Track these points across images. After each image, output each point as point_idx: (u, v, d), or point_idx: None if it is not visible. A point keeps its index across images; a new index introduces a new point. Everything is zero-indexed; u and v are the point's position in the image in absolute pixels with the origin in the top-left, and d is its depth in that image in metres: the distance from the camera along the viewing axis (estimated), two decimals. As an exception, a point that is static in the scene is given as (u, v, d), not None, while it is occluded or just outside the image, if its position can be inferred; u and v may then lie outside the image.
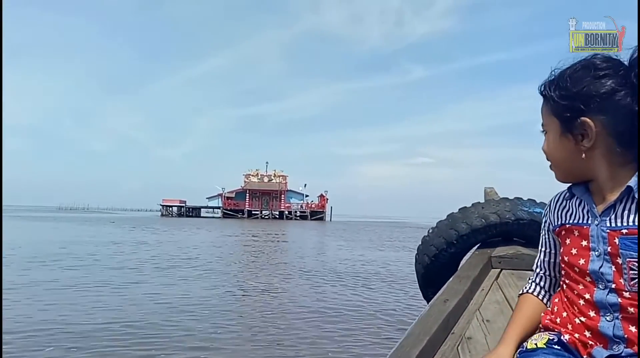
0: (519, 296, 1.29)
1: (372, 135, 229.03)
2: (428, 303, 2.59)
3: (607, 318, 1.00)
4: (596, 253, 1.02)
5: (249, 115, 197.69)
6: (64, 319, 6.54)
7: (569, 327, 1.07)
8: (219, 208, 72.81)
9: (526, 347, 1.10)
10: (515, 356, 1.12)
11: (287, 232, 33.68)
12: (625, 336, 0.97)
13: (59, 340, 5.52)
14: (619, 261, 0.97)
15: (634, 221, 0.97)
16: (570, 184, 1.15)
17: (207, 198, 75.38)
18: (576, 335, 1.05)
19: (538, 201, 2.87)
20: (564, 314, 1.10)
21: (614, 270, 0.98)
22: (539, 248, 1.27)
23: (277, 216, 71.70)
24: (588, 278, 1.04)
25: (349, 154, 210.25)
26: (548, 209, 1.22)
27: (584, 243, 1.05)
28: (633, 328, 0.96)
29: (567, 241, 1.11)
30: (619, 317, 0.98)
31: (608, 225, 1.01)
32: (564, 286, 1.12)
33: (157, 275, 11.00)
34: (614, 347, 0.98)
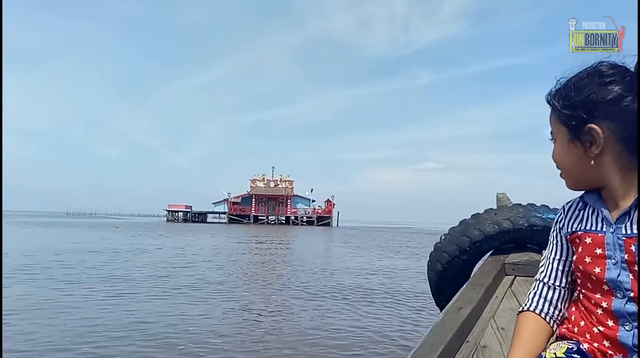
0: (518, 315, 1.21)
1: (380, 140, 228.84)
2: (441, 310, 2.57)
3: (626, 328, 0.98)
4: (612, 261, 1.00)
5: (256, 121, 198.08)
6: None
7: (587, 336, 1.05)
8: (224, 213, 72.80)
9: (545, 357, 1.08)
10: None
11: (292, 239, 33.08)
12: None
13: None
14: (637, 268, 0.96)
15: None
16: (582, 192, 1.13)
17: (213, 203, 75.42)
18: (595, 345, 1.03)
19: (551, 207, 2.85)
20: (582, 323, 1.08)
21: (632, 278, 0.97)
22: (549, 255, 1.20)
23: (284, 222, 71.60)
24: (605, 287, 1.02)
25: (356, 159, 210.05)
26: (562, 214, 1.18)
27: (599, 251, 1.03)
28: None
29: (580, 249, 1.09)
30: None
31: (624, 232, 0.99)
32: (580, 295, 1.11)
33: (143, 286, 10.08)
34: (634, 356, 0.96)
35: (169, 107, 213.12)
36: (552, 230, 1.21)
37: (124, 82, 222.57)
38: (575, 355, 1.04)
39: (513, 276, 2.61)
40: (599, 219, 1.06)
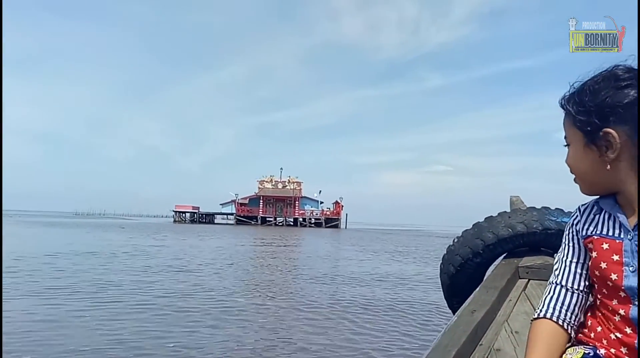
0: (532, 321, 1.16)
1: (389, 143, 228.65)
2: (454, 313, 2.56)
3: None
4: (630, 268, 0.99)
5: (264, 122, 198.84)
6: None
7: (604, 342, 1.04)
8: (232, 214, 72.86)
9: None
10: None
11: (298, 241, 32.48)
12: None
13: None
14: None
15: None
16: (597, 197, 1.12)
17: (220, 204, 75.51)
18: (612, 351, 1.02)
19: (566, 211, 2.84)
20: (599, 329, 1.07)
21: None
22: (564, 258, 1.17)
23: (291, 223, 71.43)
24: (622, 294, 1.01)
25: (365, 162, 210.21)
26: (578, 216, 1.15)
27: (616, 257, 1.02)
28: None
29: (595, 254, 1.07)
30: None
31: None
32: (597, 301, 1.09)
33: (130, 293, 9.37)
34: None
35: (178, 109, 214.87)
36: (567, 231, 1.18)
37: (133, 85, 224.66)
38: None
39: (527, 280, 2.60)
40: (616, 226, 1.05)
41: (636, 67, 1.00)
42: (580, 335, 1.11)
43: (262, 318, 7.70)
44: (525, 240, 2.83)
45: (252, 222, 70.03)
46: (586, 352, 1.05)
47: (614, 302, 1.02)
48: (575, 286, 1.14)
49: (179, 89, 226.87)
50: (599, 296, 1.08)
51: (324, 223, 69.71)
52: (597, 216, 1.11)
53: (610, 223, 1.06)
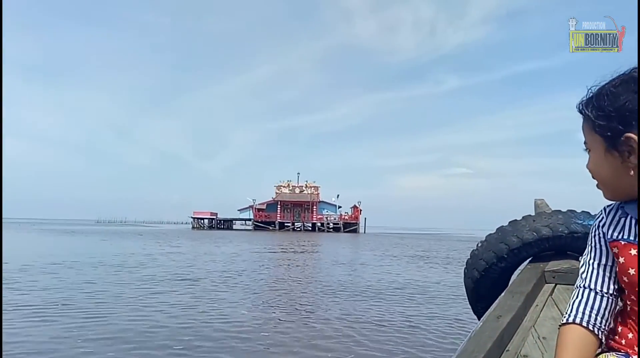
0: (560, 327, 1.12)
1: (407, 145, 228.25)
2: (479, 318, 2.54)
3: None
4: None
5: (281, 127, 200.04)
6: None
7: (636, 349, 1.03)
8: (250, 220, 73.14)
9: None
10: None
11: (316, 248, 31.78)
12: None
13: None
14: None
15: None
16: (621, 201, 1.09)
17: (238, 210, 75.94)
18: None
19: (592, 214, 2.79)
20: (630, 335, 1.05)
21: None
22: (591, 260, 1.13)
23: (310, 229, 71.41)
24: None
25: (383, 165, 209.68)
26: (604, 218, 1.12)
27: None
28: None
29: (622, 260, 1.04)
30: None
31: None
32: (627, 307, 1.07)
33: (130, 306, 8.73)
34: None
35: (197, 116, 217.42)
36: (593, 233, 1.15)
37: (153, 93, 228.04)
38: None
39: (553, 285, 2.56)
40: None
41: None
42: (611, 341, 1.09)
43: (264, 333, 7.00)
44: (551, 243, 2.79)
45: (270, 227, 70.30)
46: None
47: None
48: (605, 290, 1.10)
49: (198, 95, 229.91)
50: (628, 303, 1.06)
51: (342, 228, 69.64)
52: (622, 219, 1.08)
53: (637, 229, 1.04)
